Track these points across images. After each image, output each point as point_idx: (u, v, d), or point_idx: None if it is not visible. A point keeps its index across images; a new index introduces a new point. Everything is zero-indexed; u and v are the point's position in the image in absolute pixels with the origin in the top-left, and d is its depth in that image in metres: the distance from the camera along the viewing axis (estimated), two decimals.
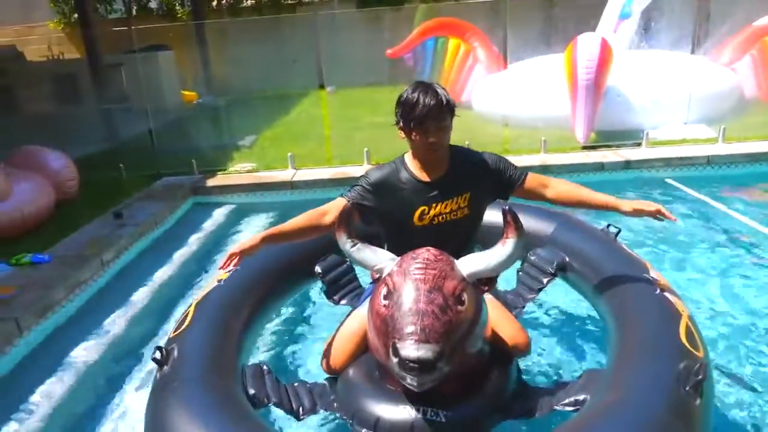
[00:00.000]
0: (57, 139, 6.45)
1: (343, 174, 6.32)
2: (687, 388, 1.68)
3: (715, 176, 6.05)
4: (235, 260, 2.09)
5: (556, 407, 1.89)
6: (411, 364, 1.53)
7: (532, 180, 2.22)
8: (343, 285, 2.82)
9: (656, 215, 2.18)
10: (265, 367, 2.12)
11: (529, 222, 2.87)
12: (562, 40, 8.04)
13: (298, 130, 9.08)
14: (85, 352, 3.29)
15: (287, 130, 9.28)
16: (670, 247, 4.21)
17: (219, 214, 5.86)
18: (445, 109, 2.00)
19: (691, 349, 1.89)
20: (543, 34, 11.08)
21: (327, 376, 2.15)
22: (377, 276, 1.84)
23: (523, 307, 2.70)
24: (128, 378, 3.03)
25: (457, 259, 1.82)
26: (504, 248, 1.77)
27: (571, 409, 1.86)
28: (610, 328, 2.20)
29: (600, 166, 6.20)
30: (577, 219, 2.97)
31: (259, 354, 2.95)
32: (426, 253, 1.76)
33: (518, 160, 5.20)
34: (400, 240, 1.95)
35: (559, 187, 2.25)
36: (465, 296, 1.68)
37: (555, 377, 2.66)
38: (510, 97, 7.79)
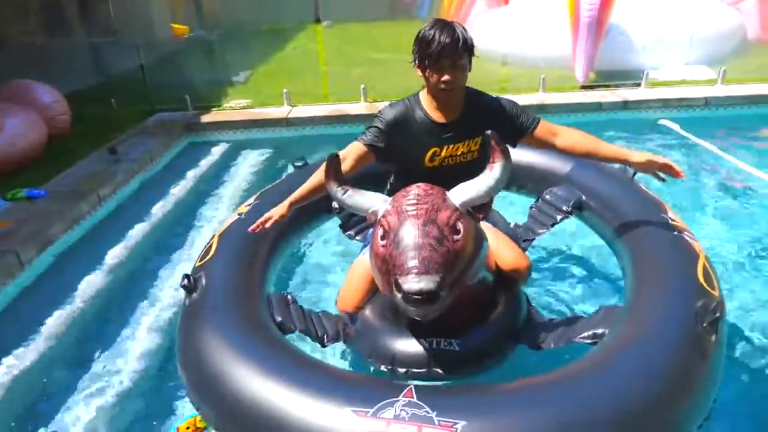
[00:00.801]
0: (46, 73, 6.27)
1: (340, 111, 6.23)
2: (704, 325, 1.74)
3: (713, 118, 6.01)
4: (268, 225, 2.13)
5: (574, 340, 1.94)
6: (414, 297, 1.56)
7: (542, 128, 2.20)
8: (358, 221, 2.86)
9: (666, 170, 2.14)
10: (289, 296, 2.19)
11: (545, 161, 2.89)
12: None
13: (294, 65, 8.87)
14: (85, 285, 3.34)
15: (282, 65, 9.06)
16: (664, 186, 4.23)
17: (215, 151, 5.81)
18: (462, 48, 1.95)
19: (708, 288, 1.93)
20: None
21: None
22: (373, 219, 1.85)
23: (532, 239, 2.72)
24: (130, 308, 3.09)
25: None
26: (492, 173, 1.78)
27: (589, 341, 1.91)
28: (628, 267, 2.23)
29: (598, 106, 6.12)
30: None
31: (280, 286, 3.01)
32: (416, 189, 1.76)
33: (516, 99, 5.12)
34: (409, 180, 1.94)
35: (569, 136, 2.22)
36: (460, 225, 1.70)
37: (569, 313, 2.72)
38: (511, 34, 7.59)
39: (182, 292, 2.14)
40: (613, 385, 1.54)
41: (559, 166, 2.85)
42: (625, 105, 6.15)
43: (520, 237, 2.65)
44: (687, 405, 1.59)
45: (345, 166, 2.05)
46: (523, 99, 6.19)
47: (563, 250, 3.45)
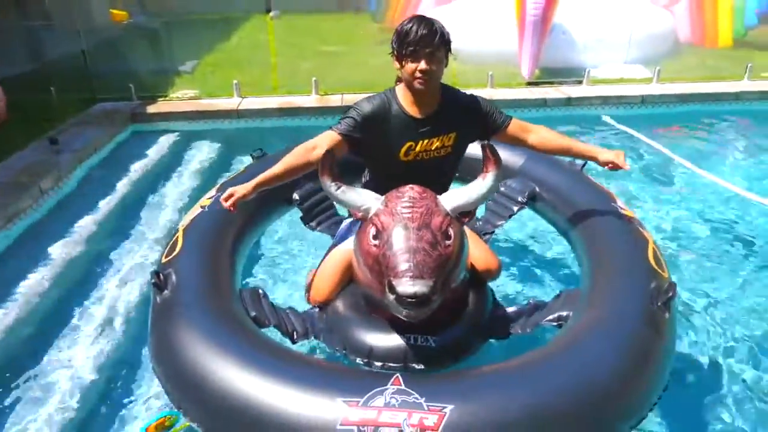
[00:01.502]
0: None
1: (291, 104, 6.18)
2: (659, 304, 1.88)
3: (649, 114, 6.33)
4: (229, 205, 2.07)
5: (541, 323, 2.04)
6: (408, 300, 1.60)
7: (515, 125, 2.26)
8: (320, 212, 2.87)
9: (617, 165, 2.25)
10: (261, 291, 2.18)
11: (500, 154, 2.97)
12: None
13: (242, 56, 8.70)
14: (29, 281, 3.19)
15: (230, 56, 8.88)
16: (604, 178, 4.45)
17: (161, 142, 5.63)
18: (439, 40, 2.00)
19: (659, 270, 2.09)
20: None
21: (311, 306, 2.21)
22: (361, 215, 1.87)
23: (492, 232, 2.82)
24: (74, 307, 2.96)
25: (439, 195, 1.87)
26: (484, 182, 1.84)
27: (554, 324, 2.02)
28: (582, 254, 2.35)
29: (543, 102, 6.34)
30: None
31: (247, 280, 2.99)
32: (410, 191, 1.80)
33: None
34: (384, 173, 1.97)
35: (540, 133, 2.30)
36: (451, 231, 1.75)
37: (530, 300, 2.82)
38: (459, 30, 7.69)
39: (132, 290, 2.09)
40: (583, 363, 1.67)
41: (513, 159, 2.95)
42: (569, 101, 6.39)
43: (481, 231, 2.73)
44: (648, 378, 1.73)
45: (316, 154, 2.06)
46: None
47: (518, 240, 3.57)
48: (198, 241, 2.28)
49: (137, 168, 4.93)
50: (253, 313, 2.01)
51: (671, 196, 4.32)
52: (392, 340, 1.88)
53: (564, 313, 2.03)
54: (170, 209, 4.07)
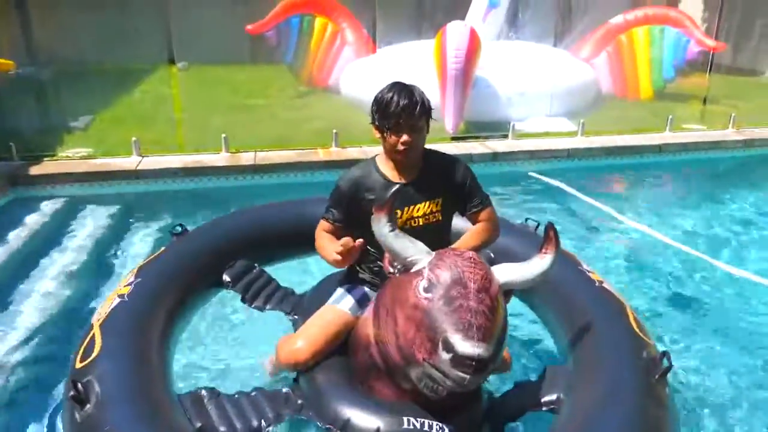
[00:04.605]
0: None
1: (198, 163, 6.11)
2: (657, 377, 1.90)
3: (576, 168, 6.74)
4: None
5: (530, 409, 2.01)
6: (468, 362, 1.56)
7: (485, 215, 2.33)
8: (261, 288, 2.82)
9: None
10: (203, 392, 2.04)
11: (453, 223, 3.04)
12: (431, 27, 8.41)
13: (145, 111, 8.59)
14: None
15: (131, 110, 8.73)
16: None
17: (47, 208, 5.37)
18: (420, 111, 2.12)
19: (644, 337, 2.12)
20: (413, 18, 11.48)
21: (278, 379, 2.16)
22: (399, 267, 1.87)
23: None
24: None
25: None
26: (542, 262, 1.87)
27: (545, 409, 1.99)
28: (557, 326, 2.36)
29: (469, 158, 6.59)
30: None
31: (186, 375, 2.82)
32: (468, 252, 1.83)
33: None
34: (376, 244, 2.00)
35: (487, 227, 2.35)
36: (502, 302, 1.78)
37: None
38: (380, 83, 7.97)
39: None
40: None
41: (464, 225, 3.02)
42: (495, 157, 6.70)
43: None
44: None
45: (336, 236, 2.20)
46: None
47: None
48: (120, 338, 2.09)
49: (15, 239, 4.67)
50: (198, 424, 1.88)
51: (605, 249, 4.59)
52: (402, 425, 1.79)
53: (555, 396, 2.01)
54: (52, 288, 3.86)
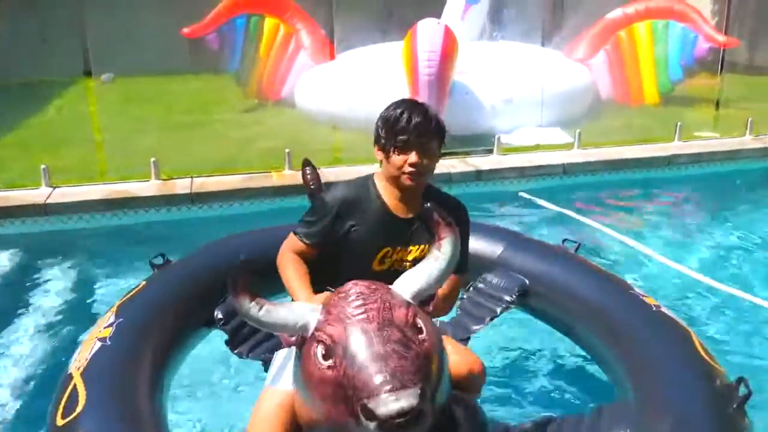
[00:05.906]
0: None
1: (122, 193, 5.97)
2: (734, 407, 1.93)
3: (573, 186, 6.76)
4: None
5: None
6: (396, 420, 1.53)
7: (461, 280, 2.37)
8: (250, 333, 2.79)
9: None
10: None
11: (471, 243, 3.04)
12: (400, 26, 8.45)
13: (57, 132, 8.46)
14: None
15: (40, 132, 8.59)
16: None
17: None
18: (433, 130, 2.15)
19: (714, 364, 2.15)
20: (377, 16, 11.57)
21: None
22: (296, 338, 1.85)
23: (467, 339, 2.80)
24: None
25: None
26: (442, 252, 1.85)
27: None
28: (610, 357, 2.40)
29: (447, 178, 6.54)
30: (527, 236, 3.18)
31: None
32: (355, 287, 1.79)
33: (353, 172, 5.35)
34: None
35: (455, 294, 2.40)
36: (420, 322, 1.74)
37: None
38: (340, 94, 7.99)
39: None
40: None
41: (488, 248, 3.00)
42: (478, 175, 6.69)
43: (453, 337, 2.71)
44: None
45: (305, 254, 2.22)
46: (360, 171, 6.43)
47: (503, 344, 3.55)
48: (106, 387, 2.13)
49: None
50: None
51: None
52: None
53: None
54: None
